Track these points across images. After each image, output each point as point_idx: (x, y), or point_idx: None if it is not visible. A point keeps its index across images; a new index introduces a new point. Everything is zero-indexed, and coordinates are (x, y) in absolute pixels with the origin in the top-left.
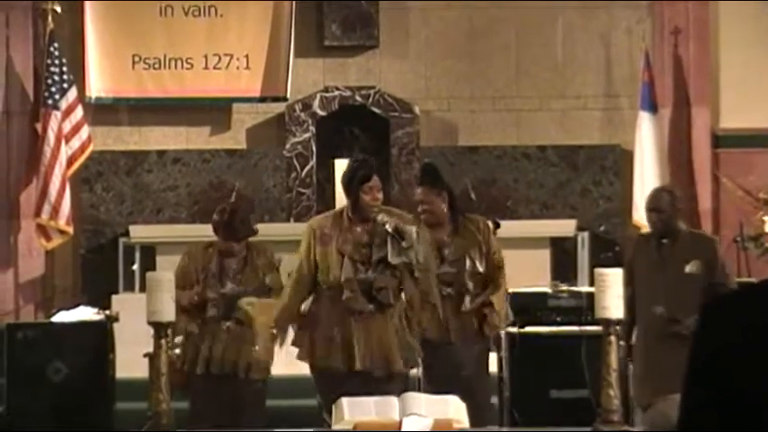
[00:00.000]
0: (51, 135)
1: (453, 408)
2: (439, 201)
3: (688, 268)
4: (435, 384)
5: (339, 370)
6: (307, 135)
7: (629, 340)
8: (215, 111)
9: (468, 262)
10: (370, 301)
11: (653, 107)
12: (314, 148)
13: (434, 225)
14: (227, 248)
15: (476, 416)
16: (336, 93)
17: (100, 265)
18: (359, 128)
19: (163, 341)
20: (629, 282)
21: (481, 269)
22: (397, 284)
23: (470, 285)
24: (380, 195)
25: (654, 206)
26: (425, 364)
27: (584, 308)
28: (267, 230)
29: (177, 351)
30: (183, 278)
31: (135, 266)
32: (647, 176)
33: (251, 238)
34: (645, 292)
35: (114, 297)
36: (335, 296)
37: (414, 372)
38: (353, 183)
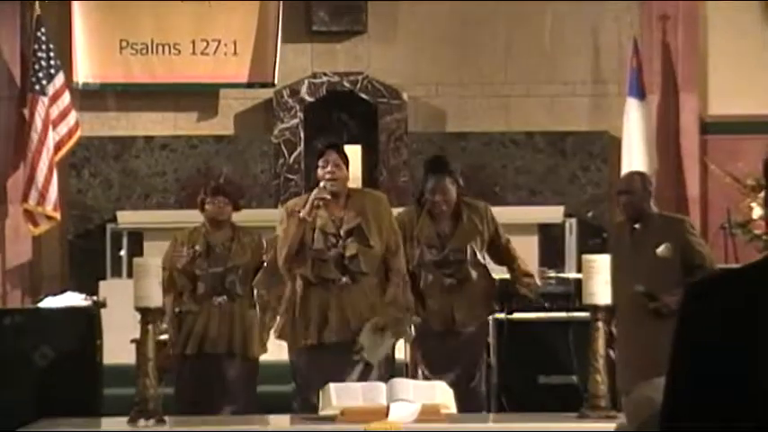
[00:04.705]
0: (38, 120)
1: (440, 393)
2: (453, 190)
3: (659, 251)
4: (435, 371)
5: (313, 344)
6: (294, 121)
7: (611, 325)
8: (203, 96)
9: (469, 251)
10: (344, 273)
11: (641, 94)
12: (302, 134)
13: (441, 214)
14: (213, 219)
15: (468, 401)
16: (324, 78)
17: (87, 251)
18: (347, 114)
19: (150, 327)
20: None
21: (481, 258)
22: (371, 253)
23: (474, 275)
24: (340, 171)
25: (625, 188)
26: (426, 351)
27: (572, 294)
28: (254, 216)
29: (164, 336)
30: (165, 259)
31: (122, 252)
32: (634, 163)
33: (236, 223)
34: (620, 277)
35: (102, 283)
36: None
37: (401, 358)
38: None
